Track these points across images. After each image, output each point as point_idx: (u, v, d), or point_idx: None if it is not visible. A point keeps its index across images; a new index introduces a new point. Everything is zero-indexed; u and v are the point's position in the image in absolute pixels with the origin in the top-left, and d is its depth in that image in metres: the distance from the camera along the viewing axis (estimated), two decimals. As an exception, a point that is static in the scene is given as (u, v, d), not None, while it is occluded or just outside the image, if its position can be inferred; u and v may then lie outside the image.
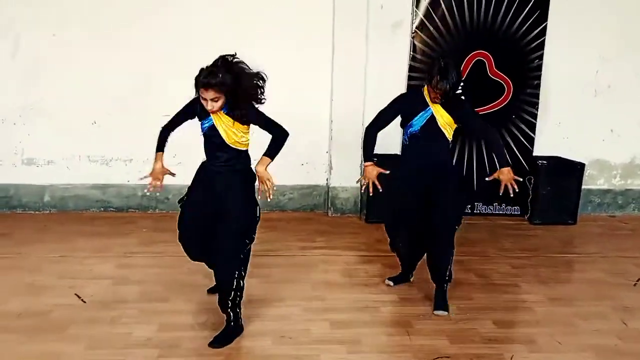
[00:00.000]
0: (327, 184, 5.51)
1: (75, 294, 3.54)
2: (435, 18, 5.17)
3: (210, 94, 2.79)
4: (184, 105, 3.08)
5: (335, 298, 3.61)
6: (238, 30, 5.10)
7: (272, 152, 2.98)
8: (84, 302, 3.47)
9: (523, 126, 5.44)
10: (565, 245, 4.91)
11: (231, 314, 3.00)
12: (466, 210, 5.50)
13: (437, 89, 3.19)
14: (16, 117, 5.14)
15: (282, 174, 5.48)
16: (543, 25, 5.22)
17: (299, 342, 3.04)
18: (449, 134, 3.40)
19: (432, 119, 3.33)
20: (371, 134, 3.42)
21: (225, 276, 2.97)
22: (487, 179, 3.49)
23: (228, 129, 2.94)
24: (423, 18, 5.17)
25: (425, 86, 3.32)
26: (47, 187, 5.28)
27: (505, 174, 3.35)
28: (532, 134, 5.46)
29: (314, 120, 5.33)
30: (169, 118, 3.16)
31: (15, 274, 3.89)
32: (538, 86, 5.36)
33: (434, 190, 3.38)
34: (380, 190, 3.38)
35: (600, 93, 5.53)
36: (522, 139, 5.45)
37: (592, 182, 5.72)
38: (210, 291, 3.48)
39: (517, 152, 5.45)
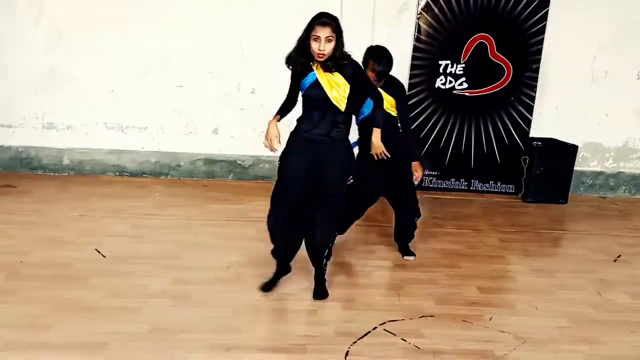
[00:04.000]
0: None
1: (96, 249, 3.85)
2: (440, 0, 5.35)
3: (326, 31, 2.89)
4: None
5: (333, 263, 3.87)
6: (250, 9, 5.32)
7: (379, 120, 3.27)
8: (104, 256, 3.78)
9: (521, 108, 5.66)
10: (555, 222, 5.17)
11: (324, 267, 3.36)
12: (461, 187, 5.78)
13: (373, 71, 3.53)
14: (38, 83, 5.40)
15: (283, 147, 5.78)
16: (545, 10, 5.40)
17: (298, 299, 3.35)
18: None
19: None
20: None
21: (326, 237, 3.26)
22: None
23: (332, 80, 3.01)
24: (429, 0, 5.35)
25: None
26: (66, 150, 5.58)
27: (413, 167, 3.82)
28: (529, 116, 5.68)
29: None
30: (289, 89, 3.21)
31: (37, 229, 4.20)
32: (537, 70, 5.56)
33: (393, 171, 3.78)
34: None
35: (597, 79, 5.73)
36: (520, 120, 5.68)
37: (585, 164, 5.95)
38: (266, 288, 3.39)
39: (514, 132, 5.69)
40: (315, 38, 2.93)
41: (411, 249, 4.04)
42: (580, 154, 5.75)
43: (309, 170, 3.12)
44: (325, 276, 3.42)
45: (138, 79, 5.42)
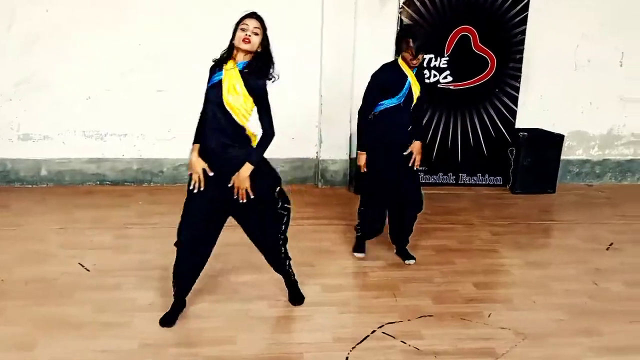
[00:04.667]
0: (317, 157, 5.68)
1: (79, 263, 3.72)
2: (422, -7, 5.29)
3: (253, 23, 2.78)
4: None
5: (326, 264, 3.82)
6: (232, 5, 5.18)
7: (258, 154, 2.84)
8: (88, 270, 3.65)
9: (506, 99, 5.62)
10: (544, 213, 5.16)
11: (289, 270, 3.23)
12: (449, 181, 5.74)
13: (414, 52, 3.44)
14: (12, 93, 5.21)
15: (273, 147, 5.66)
16: (526, 0, 5.37)
17: (290, 304, 3.25)
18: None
19: (410, 89, 3.55)
20: (365, 117, 3.63)
21: (274, 238, 3.07)
22: (404, 153, 3.66)
23: (234, 87, 2.77)
24: (410, -7, 5.29)
25: (400, 58, 3.55)
26: (44, 161, 5.39)
27: (417, 147, 3.68)
28: (514, 107, 5.64)
29: (303, 95, 5.46)
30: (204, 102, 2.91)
31: (18, 244, 4.05)
32: (521, 60, 5.53)
33: (404, 163, 3.66)
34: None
35: (581, 67, 5.72)
36: (505, 112, 5.64)
37: (571, 152, 5.95)
38: (168, 321, 3.03)
39: (499, 124, 5.65)
40: (242, 28, 2.78)
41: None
42: (566, 143, 5.74)
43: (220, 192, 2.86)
44: (296, 278, 3.31)
45: (116, 84, 5.26)
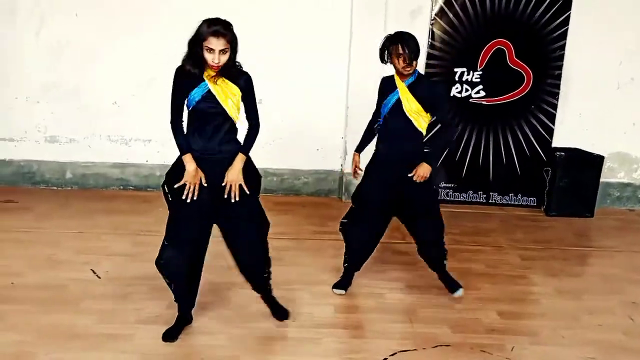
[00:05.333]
0: (341, 169, 5.54)
1: (91, 270, 3.67)
2: (455, 5, 5.11)
3: (220, 44, 2.58)
4: (171, 89, 2.81)
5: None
6: (259, 15, 5.14)
7: (248, 146, 2.83)
8: (99, 277, 3.59)
9: (542, 116, 5.37)
10: (580, 238, 4.87)
11: (270, 288, 3.11)
12: (480, 200, 5.50)
13: (399, 54, 3.16)
14: (40, 96, 5.28)
15: (297, 158, 5.61)
16: (566, 14, 5.12)
17: (302, 325, 3.11)
18: (417, 122, 3.26)
19: (399, 103, 3.24)
20: (369, 124, 3.54)
21: (258, 254, 2.99)
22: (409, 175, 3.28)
23: (226, 90, 2.72)
24: (443, 5, 5.11)
25: (395, 74, 3.29)
26: (69, 164, 5.43)
27: (424, 168, 3.27)
28: (551, 125, 5.38)
29: (330, 107, 5.35)
30: (170, 109, 2.85)
31: (34, 247, 4.04)
32: (559, 76, 5.27)
33: (406, 182, 3.28)
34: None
35: (623, 85, 5.42)
36: (541, 130, 5.38)
37: (611, 175, 5.63)
38: (171, 336, 2.94)
39: (535, 142, 5.40)
40: (208, 49, 2.61)
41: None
42: (606, 165, 5.43)
43: (211, 199, 2.80)
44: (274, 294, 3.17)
45: (141, 90, 5.26)
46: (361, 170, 3.51)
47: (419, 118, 3.26)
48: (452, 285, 3.51)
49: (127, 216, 4.80)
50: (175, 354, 2.80)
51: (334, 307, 3.32)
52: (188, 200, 2.76)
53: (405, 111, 3.23)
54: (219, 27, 2.59)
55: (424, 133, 3.33)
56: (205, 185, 2.77)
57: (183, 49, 5.65)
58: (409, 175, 3.25)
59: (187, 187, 2.76)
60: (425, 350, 2.91)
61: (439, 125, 3.97)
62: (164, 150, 5.45)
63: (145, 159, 5.44)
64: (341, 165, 5.53)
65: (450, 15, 5.13)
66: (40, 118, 5.32)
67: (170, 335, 2.91)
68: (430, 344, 2.97)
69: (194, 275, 2.96)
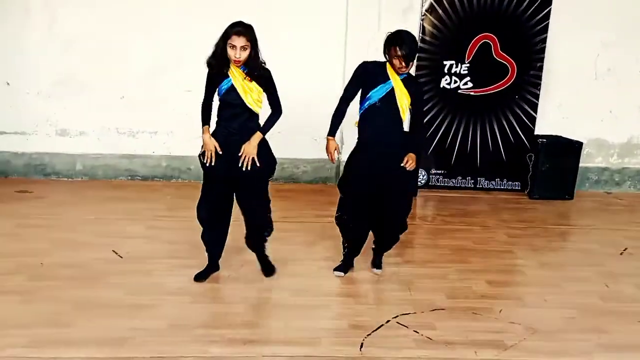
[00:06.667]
0: (338, 157, 5.83)
1: (113, 250, 3.95)
2: (444, 2, 5.44)
3: (241, 41, 3.11)
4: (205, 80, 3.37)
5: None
6: (257, 8, 5.40)
7: (266, 127, 3.35)
8: (121, 257, 3.87)
9: (525, 106, 5.73)
10: (561, 218, 5.24)
11: (265, 246, 3.63)
12: (468, 185, 5.86)
13: (398, 56, 3.26)
14: (51, 90, 5.52)
15: (296, 148, 5.89)
16: (547, 9, 5.48)
17: (313, 294, 3.44)
18: (404, 115, 3.41)
19: (392, 93, 3.37)
20: (340, 107, 3.55)
21: (262, 218, 3.51)
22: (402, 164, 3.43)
23: (246, 87, 3.23)
24: (433, 2, 5.44)
25: (387, 63, 3.38)
26: (79, 156, 5.69)
27: (412, 158, 3.42)
28: (534, 114, 5.75)
29: (326, 97, 5.61)
30: (204, 93, 3.39)
31: (55, 232, 4.29)
32: (541, 68, 5.63)
33: (392, 170, 3.41)
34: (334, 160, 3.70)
35: (600, 76, 5.80)
36: (524, 118, 5.75)
37: (590, 160, 6.01)
38: (200, 277, 3.56)
39: (519, 130, 5.76)
40: (231, 46, 3.14)
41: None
42: (585, 151, 5.81)
43: (227, 167, 3.32)
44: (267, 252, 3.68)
45: (148, 84, 5.52)
46: (339, 154, 3.68)
47: (406, 111, 3.46)
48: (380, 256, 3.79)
49: (137, 203, 5.08)
50: (200, 320, 3.09)
51: (340, 280, 3.65)
52: (207, 164, 3.33)
53: (398, 102, 3.40)
54: (240, 27, 3.15)
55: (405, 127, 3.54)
56: (220, 153, 3.31)
57: (189, 45, 5.94)
58: (402, 165, 3.39)
59: (206, 153, 3.34)
60: (423, 313, 3.25)
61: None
62: (169, 142, 5.74)
63: (152, 150, 5.71)
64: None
65: (440, 12, 5.46)
66: (52, 112, 5.56)
67: (200, 276, 3.55)
68: (428, 308, 3.30)
69: (219, 226, 3.52)
